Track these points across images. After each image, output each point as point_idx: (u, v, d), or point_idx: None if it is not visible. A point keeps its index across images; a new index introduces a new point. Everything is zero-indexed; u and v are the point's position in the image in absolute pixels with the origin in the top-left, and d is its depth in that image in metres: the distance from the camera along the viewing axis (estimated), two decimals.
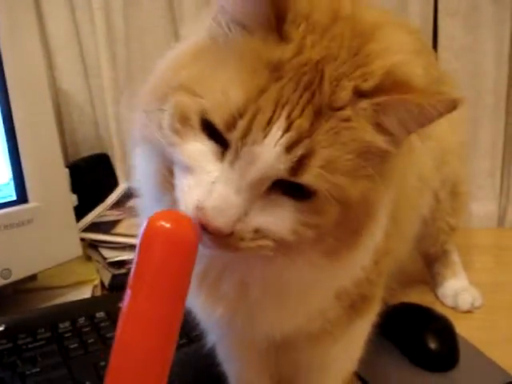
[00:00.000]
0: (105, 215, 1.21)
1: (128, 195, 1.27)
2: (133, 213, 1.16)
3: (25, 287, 0.97)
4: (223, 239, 0.44)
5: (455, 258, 1.03)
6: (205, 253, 0.49)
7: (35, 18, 1.10)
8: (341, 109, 0.44)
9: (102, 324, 0.84)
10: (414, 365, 0.81)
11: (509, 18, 1.23)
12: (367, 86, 0.44)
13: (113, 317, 0.86)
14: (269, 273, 0.50)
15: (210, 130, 0.45)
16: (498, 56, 1.25)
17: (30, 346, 0.79)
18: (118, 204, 1.26)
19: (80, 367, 0.76)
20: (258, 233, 0.45)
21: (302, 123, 0.43)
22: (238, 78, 0.44)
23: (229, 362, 0.71)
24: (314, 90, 0.43)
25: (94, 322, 0.85)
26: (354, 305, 0.59)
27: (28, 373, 0.74)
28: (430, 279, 1.04)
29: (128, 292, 0.44)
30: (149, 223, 0.44)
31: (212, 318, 0.58)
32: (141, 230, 0.45)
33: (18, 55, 0.91)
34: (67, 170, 1.11)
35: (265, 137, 0.42)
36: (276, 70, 0.44)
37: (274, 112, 0.43)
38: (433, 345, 0.82)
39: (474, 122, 1.27)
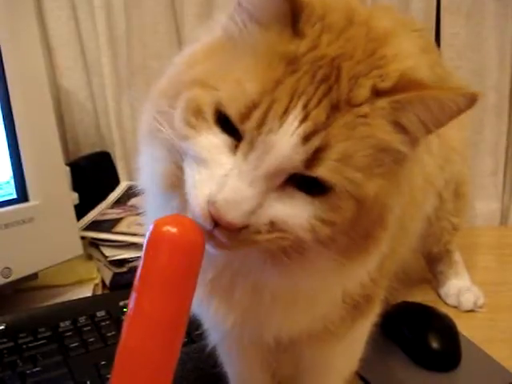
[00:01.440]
0: (106, 213, 1.20)
1: (129, 193, 1.27)
2: (134, 211, 1.17)
3: (25, 286, 0.97)
4: (238, 234, 0.43)
5: (458, 257, 1.03)
6: (216, 258, 0.49)
7: (36, 16, 1.10)
8: (358, 105, 0.44)
9: (103, 323, 0.84)
10: (416, 364, 0.81)
11: None
12: (385, 85, 0.44)
13: (114, 316, 0.86)
14: (284, 280, 0.50)
15: (224, 124, 0.45)
16: (501, 53, 1.25)
17: (30, 345, 0.79)
18: (120, 202, 1.26)
19: (80, 366, 0.76)
20: (274, 226, 0.44)
21: (319, 114, 0.42)
22: (254, 70, 0.44)
23: (230, 362, 0.71)
24: (331, 84, 0.43)
25: (95, 320, 0.85)
26: (357, 306, 0.59)
27: (28, 372, 0.74)
28: (433, 278, 1.04)
29: (133, 295, 0.44)
30: (154, 228, 0.44)
31: (223, 325, 0.57)
32: (146, 235, 0.44)
33: (18, 53, 0.90)
34: (68, 168, 1.11)
35: (281, 126, 0.42)
36: (291, 63, 0.44)
37: (290, 102, 0.43)
38: (435, 344, 0.82)
39: (477, 119, 1.27)
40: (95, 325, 0.84)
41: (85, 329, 0.83)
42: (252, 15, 0.47)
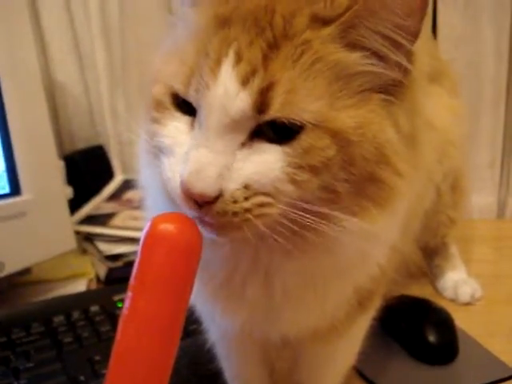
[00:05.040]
0: (101, 208, 1.20)
1: (124, 187, 1.26)
2: (129, 205, 1.16)
3: (19, 281, 0.97)
4: (216, 207, 0.41)
5: (454, 250, 1.03)
6: (228, 260, 0.49)
7: (28, 8, 1.09)
8: (298, 35, 0.42)
9: (97, 318, 0.84)
10: (412, 358, 0.81)
11: (509, 7, 1.21)
12: (332, 13, 0.42)
13: (108, 311, 0.85)
14: (301, 263, 0.48)
15: (184, 106, 0.45)
16: (498, 45, 1.24)
17: (23, 340, 0.78)
18: (114, 196, 1.25)
19: (74, 362, 0.75)
20: (249, 189, 0.42)
21: (252, 53, 0.41)
22: (190, 43, 0.44)
23: (229, 359, 0.70)
24: (264, 26, 0.42)
25: (89, 316, 0.84)
26: (362, 301, 0.58)
27: (22, 368, 0.73)
28: (429, 272, 1.03)
29: (129, 294, 0.44)
30: (151, 225, 0.43)
31: (232, 325, 0.56)
32: (143, 232, 0.44)
33: (11, 47, 0.89)
34: (62, 162, 1.10)
35: (216, 78, 0.41)
36: (223, 23, 0.43)
37: (221, 53, 0.42)
38: (432, 337, 0.81)
39: (474, 112, 1.26)
40: (89, 320, 0.83)
41: (78, 324, 0.82)
42: (188, 1, 0.47)
